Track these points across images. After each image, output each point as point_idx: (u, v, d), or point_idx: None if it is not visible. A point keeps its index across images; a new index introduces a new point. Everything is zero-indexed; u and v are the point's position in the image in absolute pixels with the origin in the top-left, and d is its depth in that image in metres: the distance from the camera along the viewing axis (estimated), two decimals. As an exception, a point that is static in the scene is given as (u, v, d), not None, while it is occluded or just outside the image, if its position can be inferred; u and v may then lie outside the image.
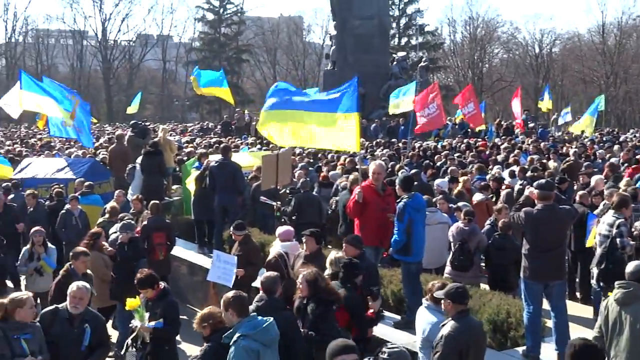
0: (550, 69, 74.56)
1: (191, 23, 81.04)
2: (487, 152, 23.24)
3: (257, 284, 10.80)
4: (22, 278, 12.95)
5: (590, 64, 70.97)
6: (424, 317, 7.71)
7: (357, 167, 16.07)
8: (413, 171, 15.13)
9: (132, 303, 8.11)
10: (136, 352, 8.35)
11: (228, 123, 40.57)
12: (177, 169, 19.22)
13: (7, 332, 6.92)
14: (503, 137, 29.66)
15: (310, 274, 8.18)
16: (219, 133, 37.59)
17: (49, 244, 12.09)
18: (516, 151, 22.28)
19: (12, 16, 77.36)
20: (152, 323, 8.13)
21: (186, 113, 78.40)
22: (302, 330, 7.76)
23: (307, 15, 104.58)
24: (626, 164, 18.82)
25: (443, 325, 7.00)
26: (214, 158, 15.48)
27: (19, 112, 22.17)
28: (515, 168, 17.54)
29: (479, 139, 28.24)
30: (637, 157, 20.11)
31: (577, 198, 13.15)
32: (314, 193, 15.48)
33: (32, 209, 15.02)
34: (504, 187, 15.78)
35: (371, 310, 8.42)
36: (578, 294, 12.87)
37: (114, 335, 10.77)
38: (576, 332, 9.10)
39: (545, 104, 38.56)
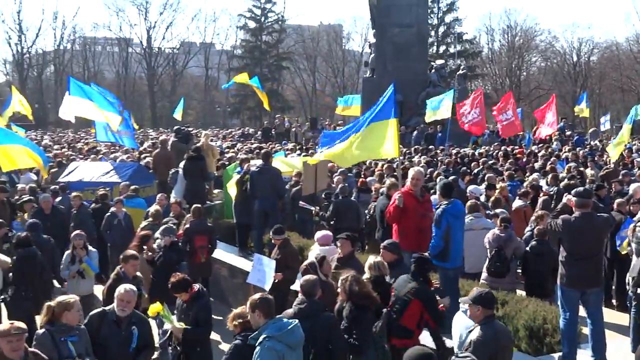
0: (588, 77, 73.42)
1: (233, 31, 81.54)
2: (524, 160, 23.01)
3: (295, 287, 10.87)
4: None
5: (628, 73, 69.96)
6: (461, 322, 7.66)
7: (394, 172, 16.09)
8: (451, 178, 15.02)
9: (153, 309, 8.23)
10: (171, 352, 8.49)
11: (268, 129, 40.74)
12: (216, 174, 19.35)
13: (54, 335, 6.99)
14: (540, 145, 29.33)
15: (347, 278, 8.19)
16: (259, 139, 37.74)
17: (90, 248, 12.13)
18: (552, 159, 22.05)
19: (60, 24, 78.46)
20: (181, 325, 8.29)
21: (227, 119, 78.83)
22: None
23: (347, 23, 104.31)
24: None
25: (470, 331, 7.00)
26: (255, 163, 15.56)
27: (73, 116, 22.48)
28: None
29: (516, 147, 27.97)
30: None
31: (615, 206, 12.98)
32: (352, 198, 15.48)
33: (75, 210, 15.22)
34: (541, 194, 15.61)
35: (442, 305, 8.37)
36: (614, 302, 12.64)
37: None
38: (612, 339, 9.02)
39: (582, 110, 38.19)
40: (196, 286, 8.77)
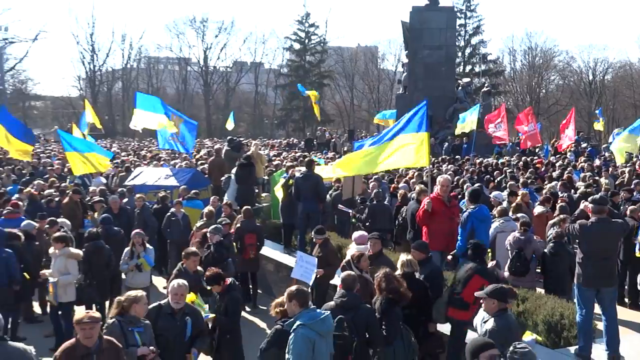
0: (603, 94, 72.25)
1: (280, 52, 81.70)
2: (543, 169, 22.73)
3: (334, 281, 10.85)
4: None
5: (640, 90, 68.84)
6: (478, 314, 7.59)
7: (423, 180, 16.02)
8: (476, 185, 14.88)
9: (188, 298, 8.24)
10: (207, 337, 8.46)
11: (311, 139, 40.86)
12: (267, 179, 19.43)
13: (123, 325, 7.04)
14: (557, 156, 28.94)
15: (379, 275, 8.18)
16: (302, 148, 37.85)
17: (147, 245, 12.19)
18: (569, 168, 21.75)
19: (128, 45, 79.45)
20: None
21: (274, 130, 79.11)
22: None
23: (382, 45, 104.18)
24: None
25: (485, 322, 6.96)
26: (300, 169, 15.59)
27: (141, 127, 22.78)
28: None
29: (536, 157, 27.66)
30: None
31: (628, 212, 12.72)
32: (385, 202, 15.42)
33: (138, 210, 15.36)
34: (559, 200, 15.39)
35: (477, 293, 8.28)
36: (627, 300, 12.45)
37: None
38: (625, 335, 8.86)
39: (599, 124, 37.91)
40: (228, 280, 8.80)
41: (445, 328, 9.15)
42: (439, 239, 10.69)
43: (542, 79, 75.95)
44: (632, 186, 16.83)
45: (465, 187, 16.07)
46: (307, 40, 76.10)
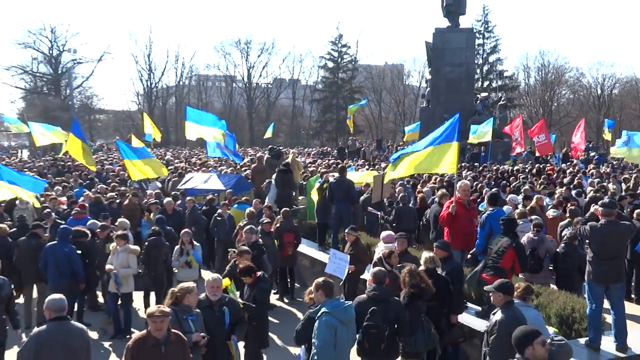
0: (610, 107, 71.08)
1: (315, 70, 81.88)
2: (555, 175, 22.39)
3: (364, 276, 10.81)
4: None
5: (646, 104, 67.57)
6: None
7: (450, 184, 15.89)
8: (494, 189, 14.73)
9: (224, 284, 8.25)
10: (245, 324, 8.42)
11: (343, 148, 40.84)
12: (303, 183, 19.46)
13: (178, 314, 7.03)
14: (568, 163, 28.52)
15: (405, 271, 8.15)
16: (335, 156, 37.84)
17: (195, 242, 12.21)
18: (579, 175, 21.40)
19: (180, 65, 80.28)
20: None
21: (310, 140, 79.23)
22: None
23: (407, 62, 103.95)
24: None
25: (494, 314, 6.90)
26: (333, 175, 15.59)
27: (195, 137, 23.06)
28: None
29: (548, 164, 27.28)
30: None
31: (635, 215, 12.45)
32: (410, 205, 15.33)
33: (188, 211, 15.47)
34: (569, 204, 15.13)
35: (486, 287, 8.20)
36: (633, 296, 12.20)
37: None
38: (632, 328, 8.71)
39: (607, 134, 37.21)
40: (259, 273, 8.78)
41: (465, 319, 9.07)
42: (460, 238, 10.62)
43: (554, 93, 75.02)
44: (639, 191, 16.56)
45: (484, 191, 15.93)
46: (339, 59, 76.19)
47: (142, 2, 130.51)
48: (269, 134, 43.19)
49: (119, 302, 11.32)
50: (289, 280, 13.73)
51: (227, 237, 14.29)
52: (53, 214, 13.89)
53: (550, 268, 11.59)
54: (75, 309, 11.56)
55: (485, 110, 36.08)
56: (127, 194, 17.29)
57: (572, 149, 25.59)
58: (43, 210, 14.45)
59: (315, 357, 6.66)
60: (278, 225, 13.28)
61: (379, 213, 14.97)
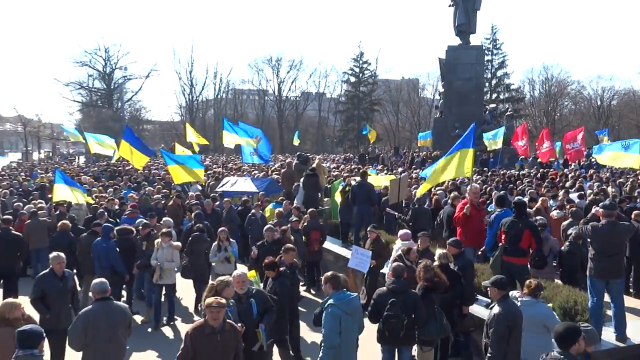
0: (609, 117, 69.89)
1: (339, 84, 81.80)
2: (557, 180, 22.04)
3: (384, 270, 10.76)
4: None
5: (643, 114, 66.35)
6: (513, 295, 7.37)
7: (457, 187, 15.73)
8: (502, 192, 14.56)
9: (250, 274, 8.25)
10: (273, 314, 8.38)
11: (364, 155, 40.67)
12: (328, 186, 19.44)
13: None
14: (570, 168, 28.07)
15: (421, 266, 8.10)
16: (356, 162, 37.74)
17: (231, 239, 12.15)
18: (580, 179, 21.04)
19: (218, 80, 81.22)
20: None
21: (334, 147, 79.14)
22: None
23: (422, 77, 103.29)
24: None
25: (491, 308, 6.83)
26: (355, 179, 15.56)
27: (232, 144, 23.24)
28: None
29: (551, 169, 26.89)
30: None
31: (633, 216, 12.19)
32: (425, 206, 15.21)
33: (225, 212, 15.54)
34: (568, 206, 14.86)
35: (483, 283, 8.08)
36: (631, 290, 11.93)
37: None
38: (631, 320, 8.58)
39: (604, 140, 36.59)
40: (282, 268, 8.76)
41: (476, 310, 8.98)
42: (473, 237, 10.52)
43: (557, 104, 74.03)
44: (636, 194, 16.25)
45: (492, 194, 15.75)
46: (361, 74, 76.13)
47: (184, 25, 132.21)
48: (296, 141, 43.55)
49: (163, 292, 11.41)
50: (315, 274, 13.70)
51: (260, 234, 14.29)
52: (106, 213, 14.10)
53: (555, 264, 11.42)
54: (125, 297, 11.70)
55: (493, 120, 35.76)
56: (171, 196, 17.47)
57: (567, 153, 25.08)
58: (97, 210, 14.68)
59: (323, 343, 6.75)
60: (306, 224, 13.29)
61: (396, 213, 14.88)
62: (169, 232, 11.44)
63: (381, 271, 11.00)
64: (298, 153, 25.55)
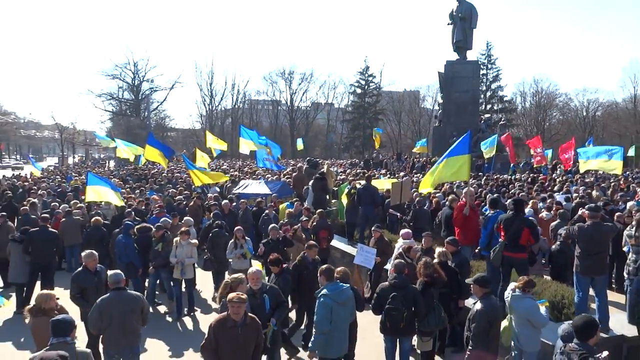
0: (594, 127, 70.11)
1: (346, 95, 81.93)
2: (547, 184, 21.91)
3: (387, 267, 10.74)
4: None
5: (624, 123, 66.35)
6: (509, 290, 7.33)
7: (454, 190, 15.67)
8: (495, 195, 14.49)
9: (257, 265, 8.23)
10: (285, 308, 8.33)
11: (368, 160, 40.55)
12: (335, 189, 19.42)
13: None
14: (557, 173, 27.90)
15: (421, 263, 8.09)
16: (362, 166, 37.66)
17: (246, 237, 12.07)
18: (567, 183, 20.91)
19: (236, 91, 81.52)
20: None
21: (341, 153, 79.17)
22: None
23: (423, 89, 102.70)
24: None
25: (474, 304, 6.79)
26: (360, 182, 15.53)
27: (247, 151, 23.40)
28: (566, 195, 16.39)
29: (541, 175, 26.74)
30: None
31: (615, 217, 12.10)
32: (425, 208, 15.16)
33: (241, 212, 15.55)
34: (554, 207, 14.77)
35: (467, 280, 8.05)
36: (614, 286, 11.84)
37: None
38: (613, 313, 8.54)
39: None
40: (285, 265, 8.73)
41: (471, 303, 8.93)
42: (470, 236, 10.49)
43: (546, 115, 74.16)
44: (618, 197, 16.15)
45: (487, 197, 15.66)
46: (366, 86, 76.10)
47: (205, 41, 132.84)
48: (300, 146, 44.13)
49: (184, 286, 11.44)
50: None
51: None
52: (133, 212, 14.16)
53: (543, 262, 11.35)
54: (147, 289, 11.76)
55: (487, 129, 35.57)
56: (192, 197, 17.53)
57: (562, 161, 24.90)
58: (125, 209, 14.77)
59: (315, 329, 6.82)
60: (315, 223, 13.25)
61: (398, 214, 14.85)
62: (187, 230, 11.46)
63: (384, 267, 10.97)
64: (308, 158, 25.55)
